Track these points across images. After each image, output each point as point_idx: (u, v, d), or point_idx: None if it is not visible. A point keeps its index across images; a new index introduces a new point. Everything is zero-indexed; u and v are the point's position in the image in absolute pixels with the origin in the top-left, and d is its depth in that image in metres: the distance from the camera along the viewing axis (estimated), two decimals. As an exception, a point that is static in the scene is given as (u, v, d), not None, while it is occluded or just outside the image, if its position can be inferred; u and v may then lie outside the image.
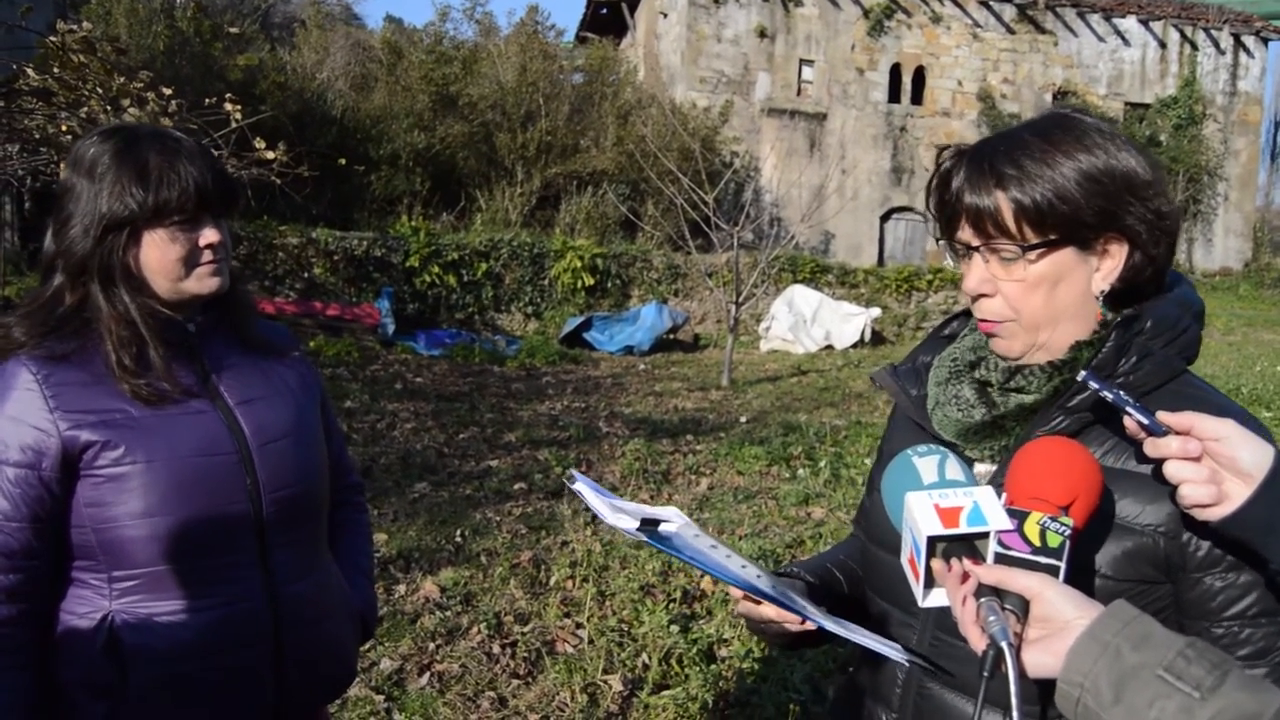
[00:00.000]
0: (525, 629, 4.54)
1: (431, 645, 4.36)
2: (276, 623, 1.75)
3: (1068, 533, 1.13)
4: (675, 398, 11.78)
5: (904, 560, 1.24)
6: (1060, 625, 1.07)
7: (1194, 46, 26.12)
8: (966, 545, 1.16)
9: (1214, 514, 1.12)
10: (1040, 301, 1.31)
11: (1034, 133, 1.32)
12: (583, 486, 1.34)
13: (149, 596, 1.65)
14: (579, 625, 4.57)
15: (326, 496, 1.94)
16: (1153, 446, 1.15)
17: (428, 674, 4.08)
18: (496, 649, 4.34)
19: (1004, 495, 1.19)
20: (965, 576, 1.14)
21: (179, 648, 1.65)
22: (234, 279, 1.83)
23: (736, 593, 1.40)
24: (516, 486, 7.17)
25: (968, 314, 1.54)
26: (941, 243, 1.41)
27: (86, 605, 1.65)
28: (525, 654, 4.29)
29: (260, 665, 1.74)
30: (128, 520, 1.61)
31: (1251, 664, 1.22)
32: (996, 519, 1.15)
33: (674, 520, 1.35)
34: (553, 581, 5.13)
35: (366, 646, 4.18)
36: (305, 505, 1.83)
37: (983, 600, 1.11)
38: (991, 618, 1.08)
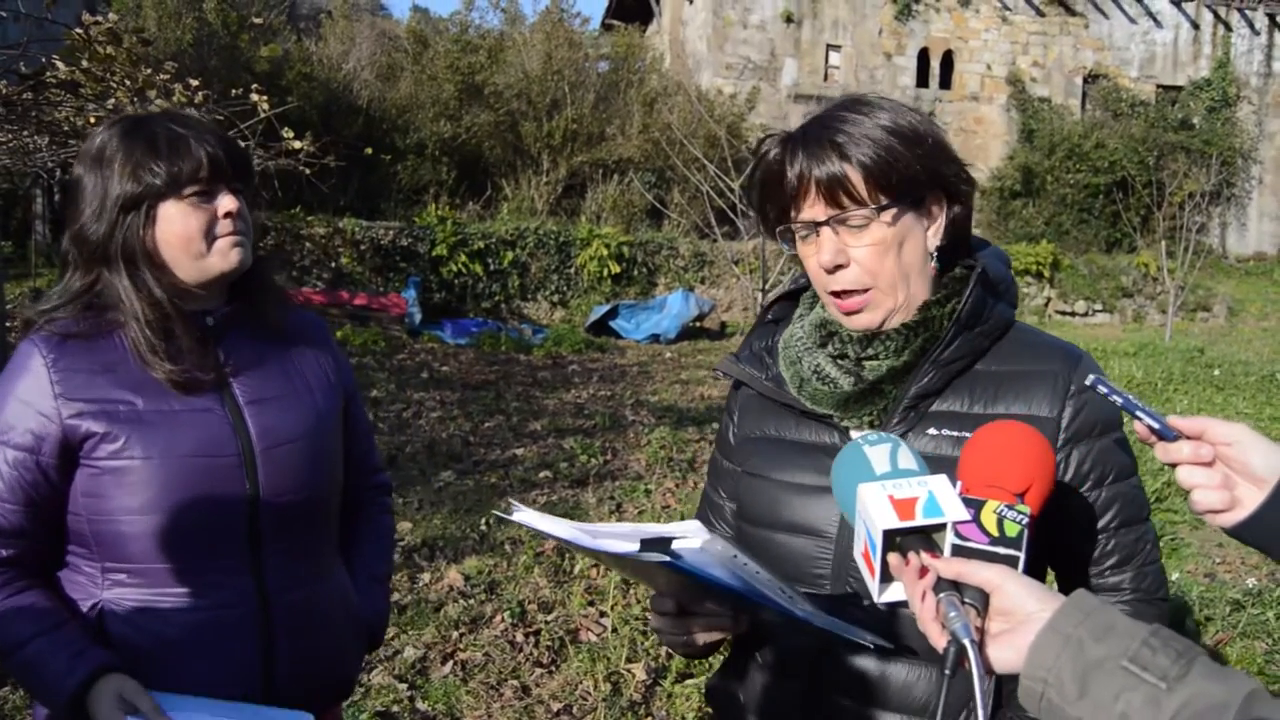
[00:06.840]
0: (549, 618, 4.54)
1: (455, 634, 4.38)
2: (268, 631, 1.70)
3: (1025, 521, 1.10)
4: (701, 385, 11.75)
5: (857, 555, 1.19)
6: (1021, 618, 1.03)
7: (1228, 27, 25.66)
8: (923, 537, 1.12)
9: (1227, 520, 1.10)
10: (892, 262, 1.40)
11: (845, 109, 1.42)
12: (528, 516, 1.23)
13: (138, 592, 1.63)
14: (602, 614, 4.57)
15: (336, 504, 1.86)
16: (1164, 451, 1.13)
17: (451, 662, 4.10)
18: (520, 638, 4.35)
19: (959, 483, 1.16)
20: (923, 571, 1.10)
21: (162, 647, 1.62)
22: (259, 262, 1.76)
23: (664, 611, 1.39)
24: (542, 475, 7.18)
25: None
26: (779, 230, 1.45)
27: (80, 591, 1.65)
28: (549, 643, 4.29)
29: (247, 672, 1.68)
30: (121, 514, 1.59)
31: (1118, 571, 1.39)
32: (953, 509, 1.11)
33: (692, 536, 1.24)
34: (576, 570, 5.13)
35: (390, 634, 4.20)
36: (309, 513, 1.75)
37: (942, 595, 1.07)
38: (952, 613, 1.04)
